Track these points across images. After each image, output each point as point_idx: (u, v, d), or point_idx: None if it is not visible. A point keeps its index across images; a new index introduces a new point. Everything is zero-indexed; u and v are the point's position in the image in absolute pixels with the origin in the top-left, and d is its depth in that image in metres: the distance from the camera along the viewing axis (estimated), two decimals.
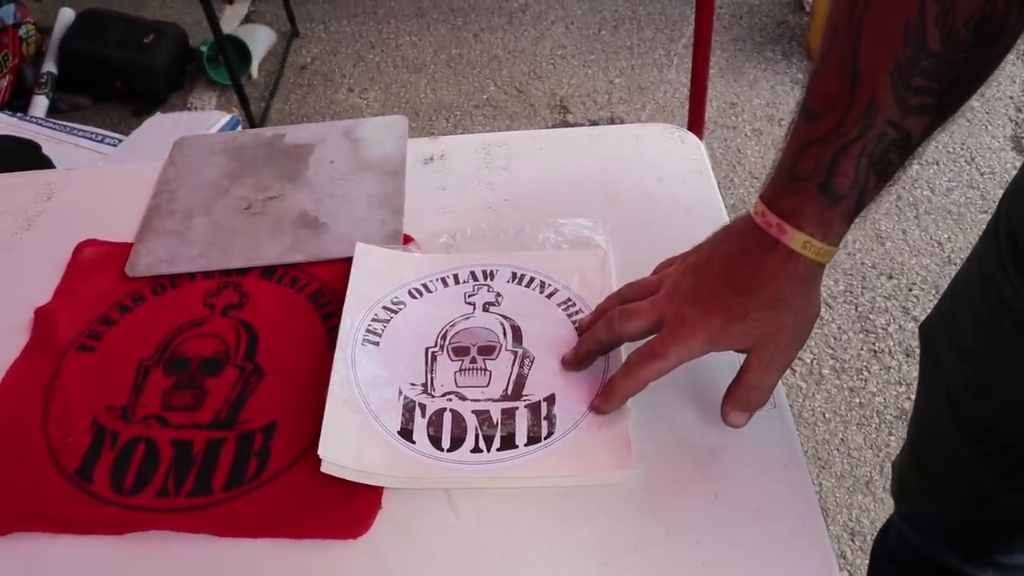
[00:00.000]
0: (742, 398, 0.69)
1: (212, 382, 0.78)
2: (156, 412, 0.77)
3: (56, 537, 0.71)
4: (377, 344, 0.77)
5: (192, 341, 0.82)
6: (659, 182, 0.95)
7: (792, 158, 0.65)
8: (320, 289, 0.84)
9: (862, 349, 1.96)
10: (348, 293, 0.80)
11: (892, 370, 1.91)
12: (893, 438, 1.79)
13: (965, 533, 1.08)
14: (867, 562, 1.33)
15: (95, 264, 0.91)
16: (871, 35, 0.61)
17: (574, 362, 0.74)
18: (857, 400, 1.87)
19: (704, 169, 0.96)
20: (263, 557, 0.67)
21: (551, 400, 0.72)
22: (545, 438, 0.70)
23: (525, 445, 0.70)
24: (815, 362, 1.94)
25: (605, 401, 0.71)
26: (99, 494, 0.72)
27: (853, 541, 1.65)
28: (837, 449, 1.79)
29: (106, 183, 1.06)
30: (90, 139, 2.05)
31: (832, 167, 0.63)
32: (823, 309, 2.03)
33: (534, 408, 0.72)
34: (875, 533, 1.27)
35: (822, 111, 0.63)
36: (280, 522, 0.68)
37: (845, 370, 1.92)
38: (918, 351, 1.01)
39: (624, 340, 0.72)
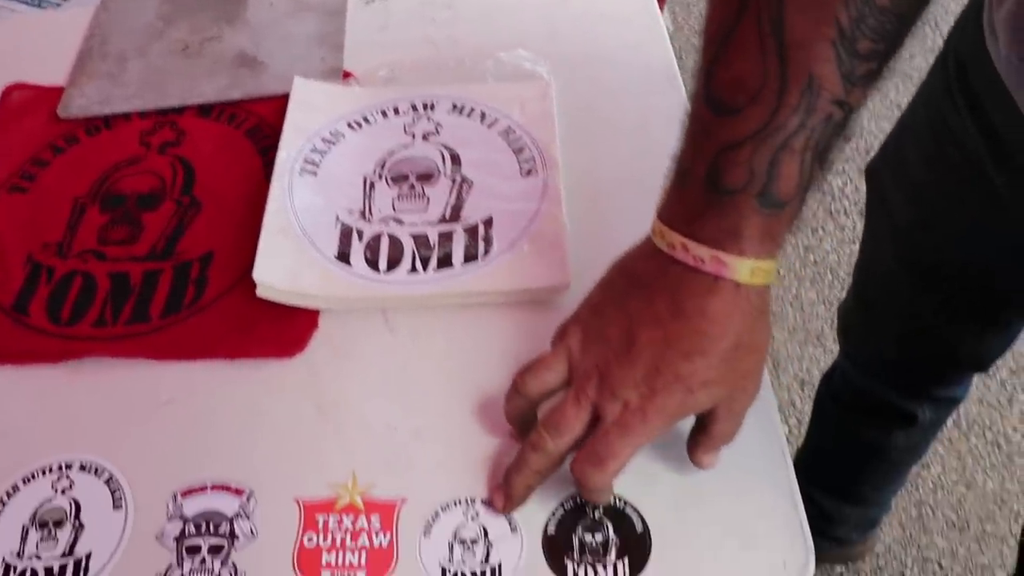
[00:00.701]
0: (714, 446, 0.59)
1: (149, 216, 0.77)
2: (92, 247, 0.76)
3: None
4: (315, 174, 0.76)
5: (128, 179, 0.81)
6: (603, 18, 0.93)
7: (710, 168, 0.52)
8: (258, 125, 0.83)
9: (818, 209, 1.97)
10: (285, 125, 0.79)
11: (847, 229, 1.93)
12: (845, 294, 1.83)
13: (904, 369, 1.11)
14: None
15: (25, 107, 0.89)
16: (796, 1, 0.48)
17: (512, 504, 0.59)
18: (812, 258, 1.89)
19: (650, 7, 0.95)
20: (201, 378, 0.68)
21: (488, 223, 0.72)
22: (482, 257, 0.70)
23: (462, 264, 0.70)
24: None
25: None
26: (36, 326, 0.72)
27: (803, 391, 1.69)
28: (791, 304, 1.82)
29: (34, 29, 1.02)
30: (27, 4, 1.98)
31: (772, 170, 0.50)
32: None
33: (471, 230, 0.72)
34: None
35: (742, 102, 0.50)
36: (217, 344, 0.68)
37: (801, 229, 1.93)
38: None
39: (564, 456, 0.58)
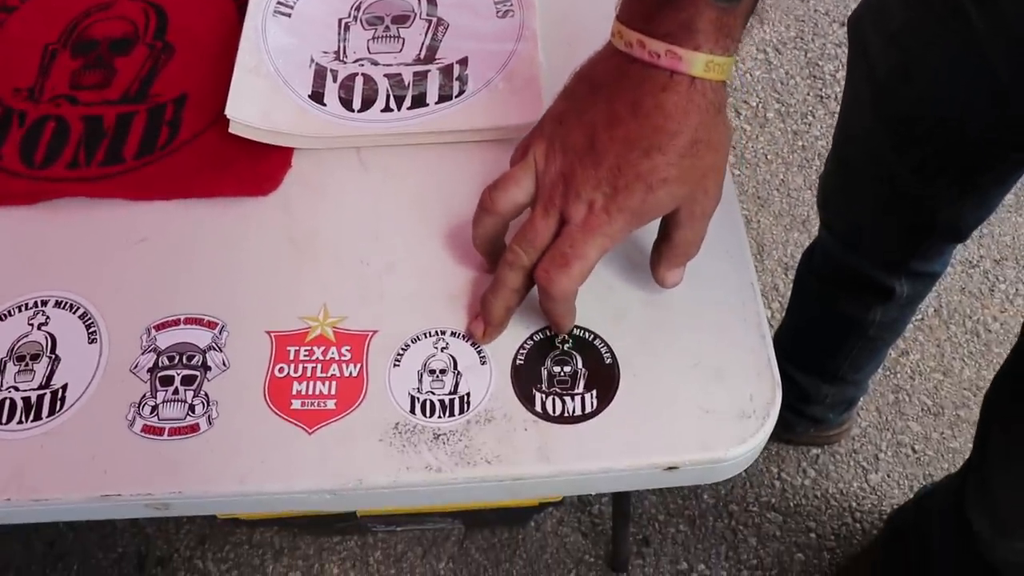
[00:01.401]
0: (677, 256, 0.59)
1: (121, 61, 0.76)
2: (64, 92, 0.75)
3: None
4: (289, 16, 0.75)
5: (100, 24, 0.79)
6: None
7: None
8: None
9: (808, 94, 1.95)
10: None
11: (836, 115, 1.91)
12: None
13: (882, 238, 1.11)
14: None
15: None
16: None
17: (492, 329, 0.60)
18: (800, 143, 1.88)
19: None
20: (176, 217, 0.68)
21: (464, 62, 0.72)
22: (456, 96, 0.70)
23: (436, 104, 0.69)
24: (760, 106, 1.93)
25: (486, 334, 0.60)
26: (8, 168, 0.71)
27: (787, 275, 1.70)
28: (777, 189, 1.81)
29: None
30: None
31: None
32: (772, 54, 2.01)
33: (446, 70, 0.71)
34: None
35: None
36: (192, 183, 0.68)
37: (790, 114, 1.92)
38: None
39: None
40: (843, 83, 1.94)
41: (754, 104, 1.93)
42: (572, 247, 0.55)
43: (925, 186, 0.97)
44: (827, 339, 1.32)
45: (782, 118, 1.91)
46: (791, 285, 1.37)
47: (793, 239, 1.75)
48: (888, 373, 1.61)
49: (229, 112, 0.67)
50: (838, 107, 1.91)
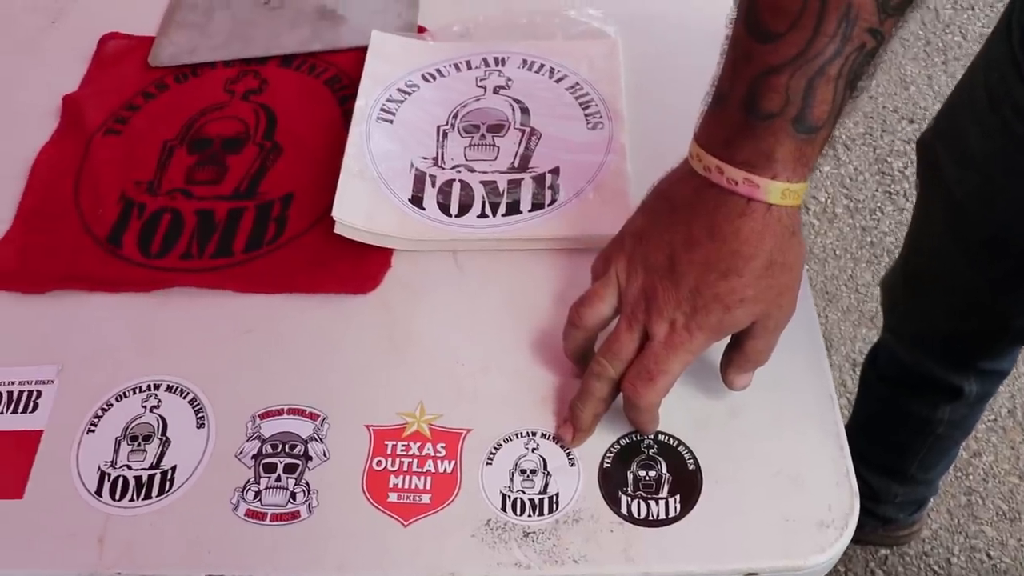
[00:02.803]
0: (747, 364, 0.61)
1: (233, 159, 0.81)
2: (180, 186, 0.80)
3: (91, 295, 0.75)
4: (391, 122, 0.80)
5: (214, 123, 0.85)
6: None
7: (749, 92, 0.53)
8: (337, 75, 0.87)
9: (876, 190, 1.97)
10: (363, 75, 0.83)
11: (906, 211, 1.92)
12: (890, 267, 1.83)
13: (952, 342, 1.12)
14: None
15: (119, 56, 0.94)
16: None
17: (580, 434, 0.63)
18: (868, 239, 1.89)
19: None
20: (281, 309, 0.72)
21: (556, 172, 0.75)
22: (549, 204, 0.73)
23: (529, 211, 0.73)
24: (829, 201, 1.95)
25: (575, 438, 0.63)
26: (128, 257, 0.76)
27: (854, 372, 1.70)
28: (845, 285, 1.82)
29: None
30: None
31: (807, 95, 0.52)
32: (841, 150, 2.03)
33: (539, 179, 0.75)
34: None
35: (783, 28, 0.52)
36: (297, 278, 0.72)
37: (859, 210, 1.94)
38: None
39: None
40: (911, 179, 1.96)
41: (823, 199, 1.95)
42: (656, 363, 0.58)
43: (1001, 296, 0.98)
44: (895, 438, 1.32)
45: (851, 214, 1.93)
46: (859, 381, 1.38)
47: (861, 335, 1.75)
48: (960, 474, 1.59)
49: (335, 214, 0.72)
50: (906, 203, 1.93)
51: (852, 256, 1.87)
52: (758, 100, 0.53)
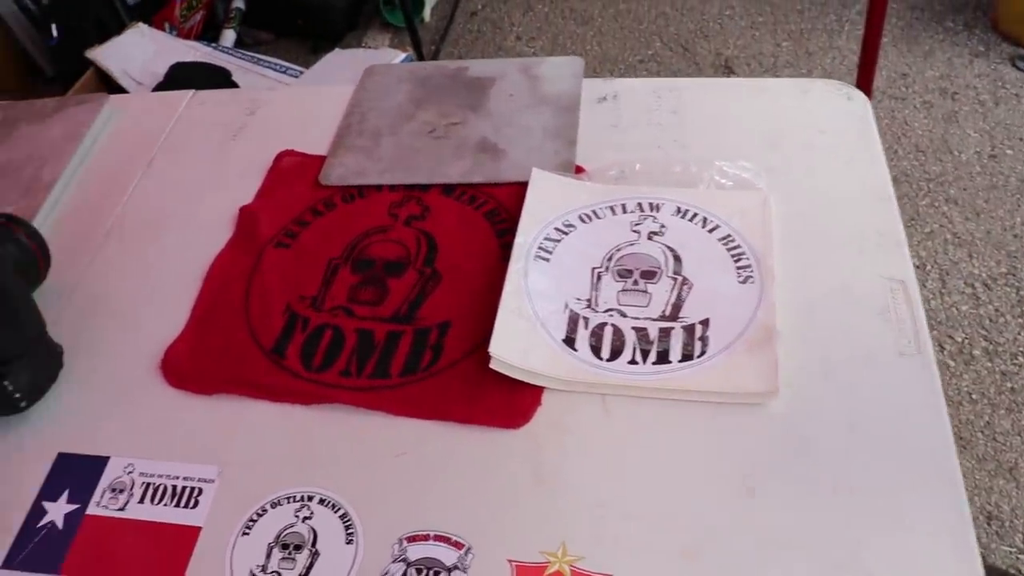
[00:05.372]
0: None
1: (394, 282, 0.86)
2: (343, 304, 0.85)
3: (254, 401, 0.80)
4: (548, 260, 0.83)
5: (377, 245, 0.90)
6: (822, 134, 0.97)
7: None
8: (496, 208, 0.91)
9: (1019, 334, 1.92)
10: (523, 212, 0.87)
11: None
12: None
13: None
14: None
15: (292, 172, 1.00)
16: None
17: None
18: (1008, 385, 1.83)
19: (868, 126, 0.98)
20: (434, 435, 0.75)
21: (706, 323, 0.77)
22: (698, 356, 0.75)
23: (679, 361, 0.75)
24: (966, 342, 1.91)
25: None
26: (291, 369, 0.81)
27: (989, 525, 1.63)
28: (981, 431, 1.77)
29: (302, 103, 1.15)
30: (274, 69, 2.18)
31: None
32: (980, 289, 1.99)
33: (689, 329, 0.77)
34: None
35: None
36: (450, 407, 0.76)
37: (998, 353, 1.89)
38: None
39: None
40: None
41: (959, 340, 1.91)
42: None
43: None
44: None
45: (989, 357, 1.88)
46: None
47: (998, 487, 1.69)
48: None
49: (492, 350, 0.75)
50: None
51: (990, 402, 1.81)
52: None
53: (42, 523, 0.76)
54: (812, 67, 2.65)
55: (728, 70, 2.69)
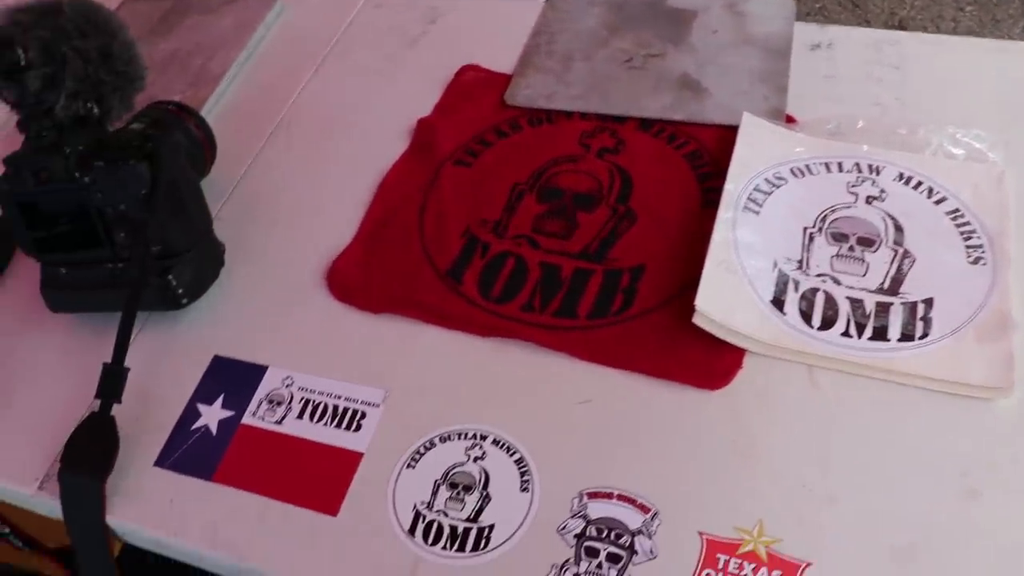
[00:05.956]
0: None
1: (584, 216, 0.80)
2: (527, 233, 0.80)
3: (425, 326, 0.76)
4: (757, 213, 0.77)
5: (566, 175, 0.84)
6: None
7: None
8: (698, 150, 0.84)
9: None
10: (733, 159, 0.80)
11: None
12: None
13: None
14: None
15: (475, 88, 0.95)
16: None
17: None
18: None
19: None
20: (622, 387, 0.69)
21: (929, 303, 0.70)
22: (919, 338, 0.68)
23: (898, 341, 0.68)
24: None
25: None
26: (467, 295, 0.76)
27: None
28: None
29: (486, 15, 1.08)
30: None
31: None
32: None
33: (911, 307, 0.70)
34: None
35: None
36: (642, 358, 0.70)
37: None
38: None
39: None
40: None
41: None
42: None
43: None
44: None
45: None
46: None
47: None
48: None
49: (700, 304, 0.69)
50: None
51: None
52: None
53: (196, 426, 0.73)
54: (999, 36, 2.49)
55: (901, 30, 2.54)
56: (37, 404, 0.77)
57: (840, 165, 0.80)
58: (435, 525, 0.65)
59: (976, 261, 0.72)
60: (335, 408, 0.72)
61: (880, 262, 0.73)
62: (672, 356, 0.69)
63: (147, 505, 0.69)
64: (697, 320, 0.69)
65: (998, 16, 2.56)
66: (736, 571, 0.60)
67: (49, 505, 0.71)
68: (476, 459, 0.67)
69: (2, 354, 0.81)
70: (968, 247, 0.73)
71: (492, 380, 0.72)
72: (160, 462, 0.71)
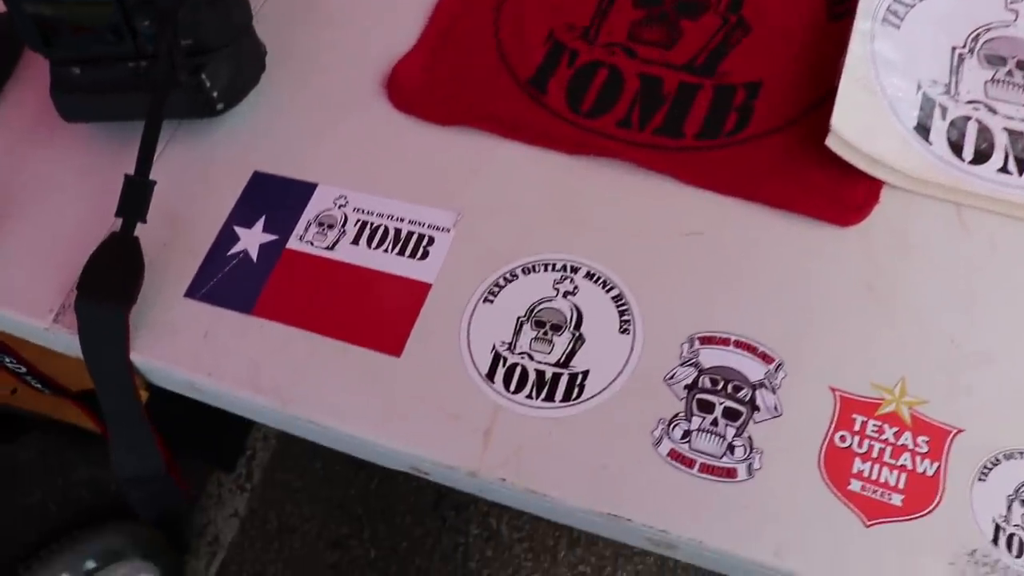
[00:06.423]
0: None
1: (689, 24, 0.69)
2: (622, 41, 0.69)
3: (503, 140, 0.66)
4: (897, 28, 0.65)
5: None
6: None
7: None
8: None
9: None
10: None
11: None
12: None
13: None
14: None
15: None
16: None
17: None
18: None
19: None
20: (738, 217, 0.60)
21: None
22: None
23: None
24: None
25: None
26: (553, 108, 0.66)
27: None
28: None
29: None
30: None
31: None
32: None
33: None
34: None
35: None
36: (761, 185, 0.60)
37: None
38: None
39: None
40: None
41: None
42: None
43: None
44: None
45: None
46: None
47: None
48: None
49: (835, 124, 0.59)
50: None
51: None
52: None
53: (233, 251, 0.64)
54: None
55: None
56: (50, 227, 0.67)
57: None
58: (518, 369, 0.56)
59: None
60: (397, 232, 0.62)
61: None
62: (797, 184, 0.60)
63: (177, 341, 0.61)
64: (830, 143, 0.59)
65: None
66: (875, 434, 0.52)
67: (66, 340, 0.62)
68: (566, 294, 0.58)
69: (10, 171, 0.70)
70: None
71: (583, 205, 0.62)
72: (192, 292, 0.62)
